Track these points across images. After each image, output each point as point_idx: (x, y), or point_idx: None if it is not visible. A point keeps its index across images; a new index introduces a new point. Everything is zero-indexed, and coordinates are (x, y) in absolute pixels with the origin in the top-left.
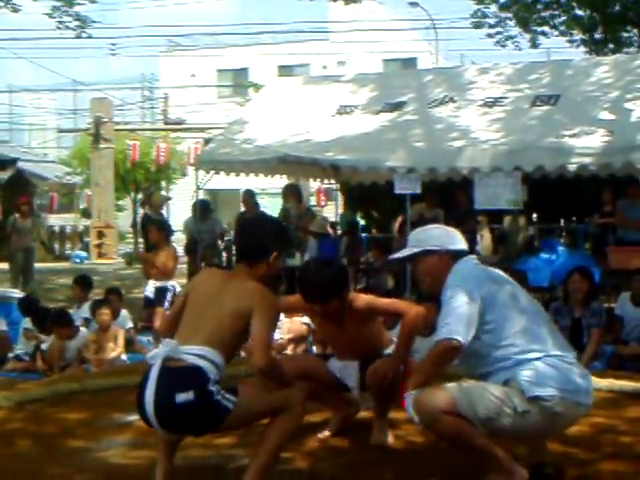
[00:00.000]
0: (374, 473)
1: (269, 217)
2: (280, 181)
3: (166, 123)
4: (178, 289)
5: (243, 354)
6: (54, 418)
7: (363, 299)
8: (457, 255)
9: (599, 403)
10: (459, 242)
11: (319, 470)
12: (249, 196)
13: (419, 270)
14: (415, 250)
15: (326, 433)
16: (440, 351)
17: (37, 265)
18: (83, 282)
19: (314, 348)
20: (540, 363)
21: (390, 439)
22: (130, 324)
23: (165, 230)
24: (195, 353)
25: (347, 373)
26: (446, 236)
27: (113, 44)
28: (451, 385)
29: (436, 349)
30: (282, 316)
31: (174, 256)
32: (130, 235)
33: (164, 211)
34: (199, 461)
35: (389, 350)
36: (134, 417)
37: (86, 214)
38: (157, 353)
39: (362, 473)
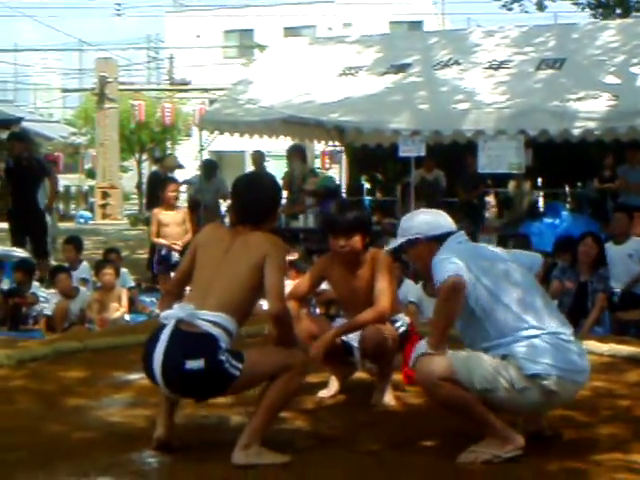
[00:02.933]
0: (372, 433)
1: (262, 175)
2: (285, 143)
3: (171, 84)
4: None
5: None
6: (55, 376)
7: (384, 260)
8: (442, 239)
9: (599, 367)
10: (443, 225)
11: (318, 430)
12: (259, 155)
13: (410, 258)
14: (400, 241)
15: (325, 393)
16: (446, 290)
17: None
18: (75, 242)
19: (317, 310)
20: (538, 341)
21: (390, 400)
22: (132, 283)
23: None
24: (210, 320)
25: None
26: (429, 222)
27: (118, 4)
28: (451, 353)
29: (441, 292)
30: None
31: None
32: (135, 196)
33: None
34: (199, 419)
35: (397, 318)
36: (135, 376)
37: (91, 174)
38: (171, 314)
39: (360, 433)
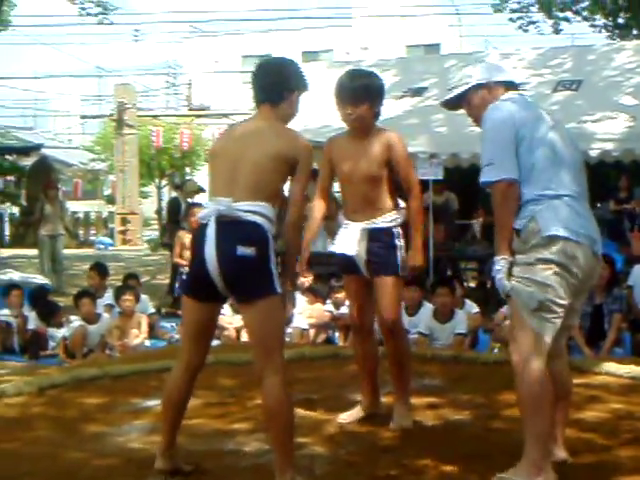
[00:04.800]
0: (392, 458)
1: (286, 58)
2: None
3: (190, 109)
4: None
5: None
6: (74, 403)
7: (400, 141)
8: (506, 86)
9: (618, 389)
10: (507, 73)
11: (338, 455)
12: None
13: (471, 107)
14: (464, 87)
15: (345, 419)
16: (501, 196)
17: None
18: (100, 269)
19: (337, 334)
20: (560, 202)
21: (410, 424)
22: (151, 309)
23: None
24: (249, 210)
25: (350, 237)
26: (493, 69)
27: (137, 30)
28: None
29: (496, 197)
30: (304, 302)
31: None
32: (154, 221)
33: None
34: (218, 444)
35: (392, 215)
36: (154, 402)
37: (111, 200)
38: (209, 212)
39: (380, 459)
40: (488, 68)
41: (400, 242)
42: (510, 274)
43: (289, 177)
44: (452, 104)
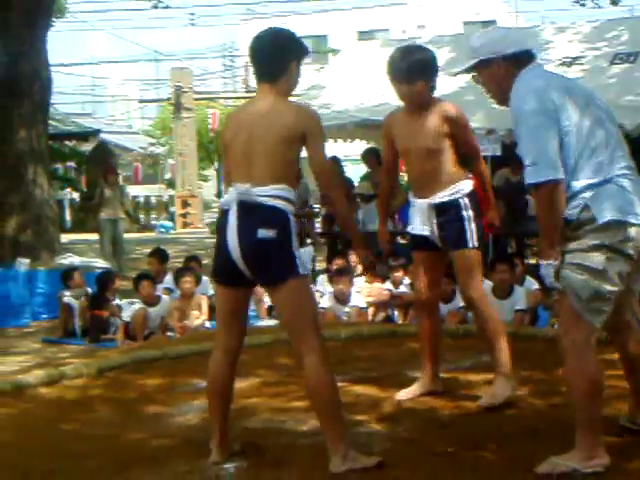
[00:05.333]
0: (451, 435)
1: (278, 28)
2: (361, 147)
3: (247, 92)
4: None
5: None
6: (134, 384)
7: (457, 110)
8: (517, 60)
9: None
10: (517, 43)
11: (396, 432)
12: (334, 162)
13: (483, 83)
14: (471, 62)
15: (404, 395)
16: (547, 199)
17: (124, 236)
18: (159, 255)
19: (396, 313)
20: (613, 186)
21: (508, 394)
22: (212, 291)
23: None
24: (269, 194)
25: (419, 216)
26: (501, 40)
27: (192, 14)
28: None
29: (541, 200)
30: (362, 281)
31: None
32: (215, 204)
33: None
34: (276, 423)
35: (456, 187)
36: None
37: (171, 184)
38: (230, 198)
39: (439, 435)
40: (495, 41)
41: (468, 213)
42: (559, 272)
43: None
44: (466, 72)
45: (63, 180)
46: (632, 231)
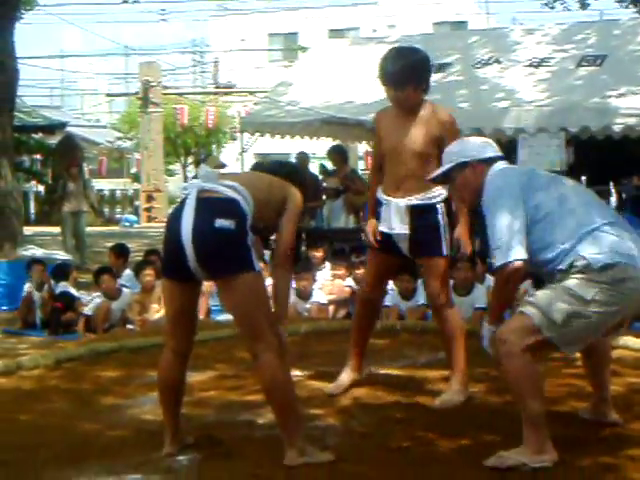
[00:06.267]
0: (406, 430)
1: None
2: (328, 144)
3: (217, 87)
4: None
5: None
6: (90, 376)
7: (450, 117)
8: (490, 162)
9: (635, 363)
10: (490, 150)
11: (350, 427)
12: (303, 157)
13: (456, 186)
14: (447, 167)
15: (334, 389)
16: (504, 279)
17: (87, 229)
18: (118, 250)
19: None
20: (599, 232)
21: (460, 400)
22: None
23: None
24: (229, 185)
25: (394, 212)
26: (476, 146)
27: (163, 9)
28: (522, 308)
29: (499, 278)
30: (325, 277)
31: None
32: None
33: None
34: (229, 417)
35: (436, 191)
36: None
37: (136, 178)
38: (191, 184)
39: (394, 430)
40: (470, 146)
41: (444, 219)
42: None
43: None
44: (439, 181)
45: (29, 173)
46: (628, 272)
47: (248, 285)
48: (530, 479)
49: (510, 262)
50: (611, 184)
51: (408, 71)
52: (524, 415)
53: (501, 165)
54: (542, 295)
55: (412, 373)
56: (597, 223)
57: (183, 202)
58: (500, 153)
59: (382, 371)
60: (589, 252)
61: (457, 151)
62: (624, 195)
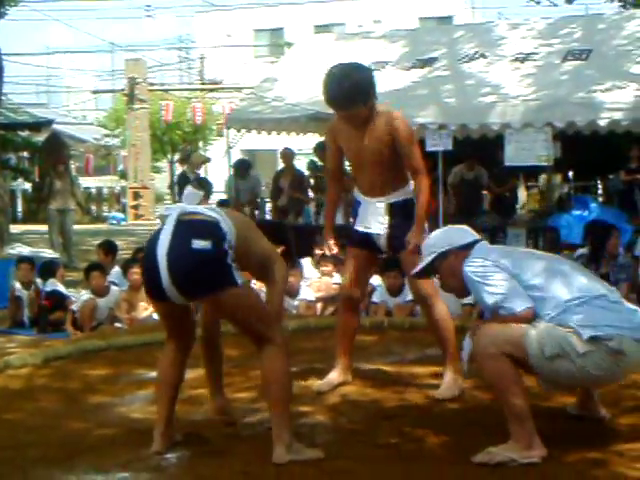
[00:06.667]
0: (394, 427)
1: None
2: (315, 140)
3: (203, 84)
4: None
5: None
6: (78, 374)
7: (404, 125)
8: (469, 248)
9: None
10: (468, 235)
11: (339, 424)
12: (289, 153)
13: (442, 277)
14: (429, 258)
15: (324, 387)
16: (523, 319)
17: (74, 227)
18: (106, 247)
19: None
20: (589, 306)
21: (454, 394)
22: None
23: (203, 188)
24: (211, 208)
25: (372, 212)
26: (454, 234)
27: (149, 5)
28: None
29: (519, 319)
30: (313, 275)
31: None
32: (168, 196)
33: (202, 171)
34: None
35: (410, 186)
36: None
37: (123, 176)
38: (173, 207)
39: (382, 427)
40: (448, 234)
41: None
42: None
43: None
44: (424, 275)
45: (15, 170)
46: (622, 344)
47: (234, 298)
48: (519, 475)
49: (528, 308)
50: (598, 179)
51: (354, 92)
52: (508, 411)
53: (481, 246)
54: (545, 325)
55: (400, 369)
56: (583, 297)
57: (163, 224)
58: (478, 236)
59: (370, 367)
60: (577, 323)
61: (435, 243)
62: (611, 190)
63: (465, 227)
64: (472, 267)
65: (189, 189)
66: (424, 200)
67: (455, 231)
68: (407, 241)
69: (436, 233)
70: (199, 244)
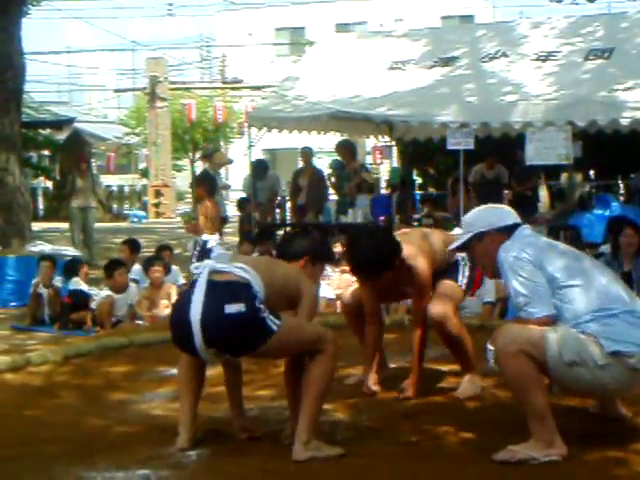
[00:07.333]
0: (414, 425)
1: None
2: (335, 139)
3: (224, 82)
4: (211, 244)
5: None
6: (99, 371)
7: (420, 272)
8: (509, 231)
9: None
10: (509, 217)
11: (359, 421)
12: (308, 152)
13: (476, 255)
14: (466, 237)
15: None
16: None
17: (95, 225)
18: (131, 244)
19: None
20: (617, 320)
21: (474, 393)
22: (182, 280)
23: (205, 184)
24: (240, 267)
25: None
26: (494, 215)
27: (170, 4)
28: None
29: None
30: (332, 272)
31: (208, 210)
32: (189, 195)
33: (223, 170)
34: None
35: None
36: None
37: (144, 174)
38: (203, 265)
39: (402, 425)
40: (488, 214)
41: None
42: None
43: None
44: (461, 250)
45: (37, 168)
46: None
47: (277, 343)
48: (540, 473)
49: (546, 316)
50: (619, 178)
51: (381, 264)
52: (528, 410)
53: (521, 231)
54: (567, 330)
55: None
56: (615, 309)
57: (194, 283)
58: (519, 219)
59: (391, 365)
60: (602, 334)
61: (473, 222)
62: (632, 189)
63: (507, 207)
64: (508, 255)
65: (218, 250)
66: (419, 349)
67: (495, 211)
68: (403, 388)
69: (476, 211)
70: (232, 308)
